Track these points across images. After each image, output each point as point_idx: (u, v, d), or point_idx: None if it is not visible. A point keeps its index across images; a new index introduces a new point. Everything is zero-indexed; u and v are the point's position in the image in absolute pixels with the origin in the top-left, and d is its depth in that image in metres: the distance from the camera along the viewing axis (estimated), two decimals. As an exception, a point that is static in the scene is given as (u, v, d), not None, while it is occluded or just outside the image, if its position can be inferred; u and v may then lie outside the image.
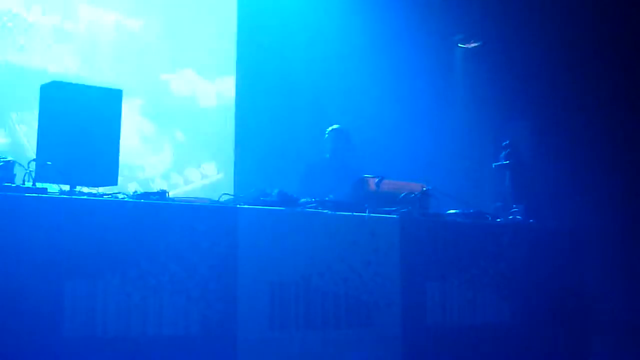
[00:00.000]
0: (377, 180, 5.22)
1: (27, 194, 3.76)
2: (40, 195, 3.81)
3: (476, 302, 5.14)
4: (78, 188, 4.23)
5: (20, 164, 4.05)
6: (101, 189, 4.50)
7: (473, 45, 9.12)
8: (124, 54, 7.84)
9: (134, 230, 3.95)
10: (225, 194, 4.69)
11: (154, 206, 4.11)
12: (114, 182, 4.45)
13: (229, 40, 8.58)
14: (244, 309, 4.23)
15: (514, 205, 5.68)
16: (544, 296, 5.45)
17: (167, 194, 4.36)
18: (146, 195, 4.26)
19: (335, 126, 6.54)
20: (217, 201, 4.53)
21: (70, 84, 4.56)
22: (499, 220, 5.55)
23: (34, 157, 4.25)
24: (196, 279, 4.09)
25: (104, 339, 3.78)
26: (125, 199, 4.16)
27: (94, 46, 7.72)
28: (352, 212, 4.72)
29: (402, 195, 5.12)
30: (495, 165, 6.07)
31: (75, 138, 4.26)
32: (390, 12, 8.30)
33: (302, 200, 4.69)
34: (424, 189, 5.20)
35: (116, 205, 4.00)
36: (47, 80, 4.48)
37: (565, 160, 7.04)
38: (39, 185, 3.95)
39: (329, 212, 4.64)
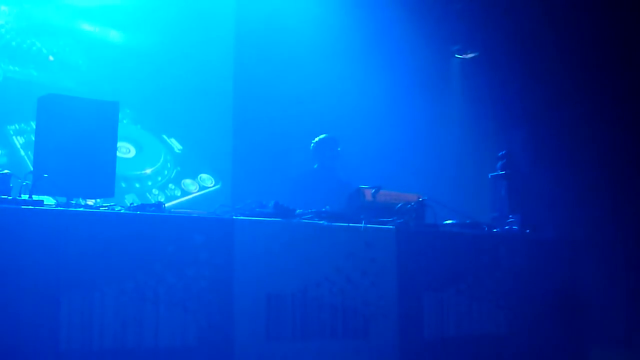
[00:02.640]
0: (373, 190, 5.23)
1: (23, 206, 3.77)
2: (36, 207, 3.81)
3: (473, 312, 5.14)
4: (75, 200, 4.24)
5: (16, 176, 4.07)
6: (99, 201, 4.51)
7: (470, 55, 9.15)
8: (121, 65, 7.86)
9: (130, 242, 3.95)
10: (222, 205, 4.70)
11: (150, 218, 4.12)
12: (111, 193, 4.47)
13: (227, 51, 8.61)
14: (241, 320, 4.23)
15: (511, 216, 5.69)
16: (541, 306, 5.45)
17: (163, 206, 4.38)
18: (142, 207, 4.27)
19: (321, 136, 6.55)
20: (214, 212, 4.54)
21: (67, 96, 4.59)
22: (495, 230, 5.56)
23: (32, 169, 4.27)
24: (193, 290, 4.10)
25: (100, 351, 3.78)
26: (122, 211, 4.17)
27: (91, 59, 7.75)
28: (349, 223, 4.73)
29: (399, 205, 5.13)
30: (491, 176, 6.08)
31: (72, 150, 4.28)
32: (388, 23, 8.33)
33: (298, 211, 4.70)
34: (420, 199, 5.21)
35: (112, 217, 4.00)
36: (45, 93, 4.51)
37: (562, 170, 7.05)
38: (35, 197, 3.96)
39: (325, 223, 4.65)
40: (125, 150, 7.74)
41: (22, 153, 7.12)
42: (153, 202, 4.42)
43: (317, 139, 6.54)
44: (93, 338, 3.77)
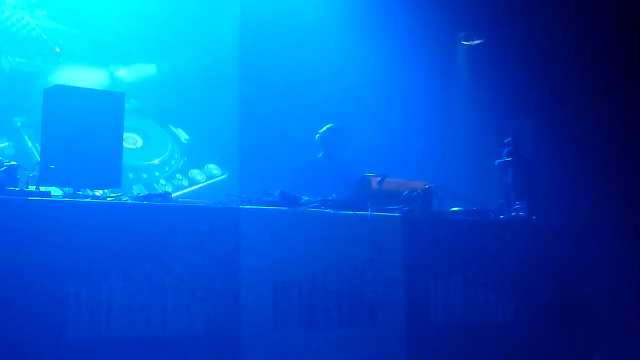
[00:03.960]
0: (379, 178, 5.24)
1: (30, 198, 3.79)
2: (43, 198, 3.84)
3: (480, 300, 5.15)
4: (82, 191, 4.27)
5: (24, 168, 4.10)
6: (106, 192, 4.54)
7: (476, 42, 9.11)
8: (127, 55, 7.88)
9: (137, 232, 3.98)
10: (228, 194, 4.72)
11: (157, 208, 4.15)
12: (118, 184, 4.50)
13: (233, 41, 8.61)
14: (248, 309, 4.26)
15: (517, 203, 5.68)
16: (547, 293, 5.45)
17: (170, 196, 4.40)
18: (149, 197, 4.30)
19: (328, 125, 6.57)
20: (220, 202, 4.56)
21: (73, 87, 4.62)
22: (502, 217, 5.56)
23: (39, 160, 4.30)
24: (200, 279, 4.12)
25: (108, 340, 3.81)
26: (129, 201, 4.20)
27: (98, 49, 7.76)
28: (355, 211, 4.74)
29: (405, 193, 5.14)
30: (498, 163, 6.07)
31: (79, 141, 4.31)
32: (394, 10, 8.31)
33: (305, 199, 4.71)
34: (427, 187, 5.21)
35: (119, 208, 4.03)
36: (52, 85, 4.54)
37: (569, 157, 7.03)
38: (43, 188, 3.99)
39: (332, 211, 4.66)
40: (133, 141, 7.77)
41: (30, 145, 7.15)
42: (160, 192, 4.44)
43: (323, 129, 6.56)
44: (101, 328, 3.81)
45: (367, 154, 7.09)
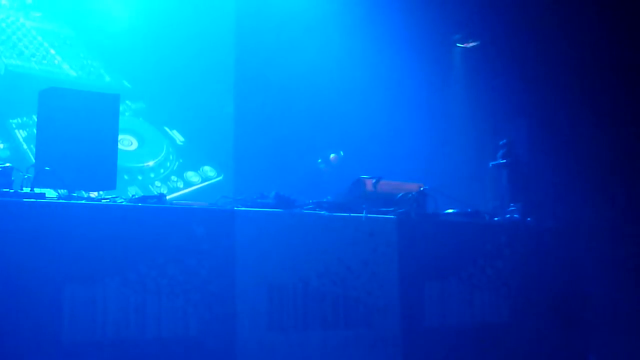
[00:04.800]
0: (374, 180, 5.25)
1: (25, 199, 3.79)
2: (38, 200, 3.83)
3: (474, 301, 5.16)
4: (76, 193, 4.27)
5: (18, 170, 4.09)
6: (101, 193, 4.54)
7: (471, 44, 9.12)
8: (123, 57, 7.88)
9: (132, 234, 3.97)
10: (223, 196, 4.71)
11: (151, 210, 4.13)
12: (113, 186, 4.49)
13: (228, 43, 8.62)
14: (243, 311, 4.25)
15: (512, 204, 5.70)
16: (542, 295, 5.47)
17: (165, 198, 4.40)
18: (144, 198, 4.30)
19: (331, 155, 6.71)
20: (215, 204, 4.56)
21: (68, 89, 4.62)
22: (496, 219, 5.57)
23: (34, 162, 4.30)
24: (195, 281, 4.12)
25: (103, 342, 3.80)
26: (123, 203, 4.19)
27: (93, 52, 7.76)
28: (350, 213, 4.74)
29: (400, 195, 5.14)
30: (492, 165, 6.09)
31: (74, 143, 4.31)
32: (389, 12, 8.32)
33: (299, 201, 4.72)
34: (422, 189, 5.22)
35: (114, 210, 4.02)
36: (47, 86, 4.53)
37: (563, 159, 7.05)
38: (37, 190, 3.98)
39: (326, 213, 4.67)
40: (127, 142, 7.76)
41: (25, 146, 7.14)
42: (155, 194, 4.43)
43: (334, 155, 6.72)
44: (96, 329, 3.80)
45: (362, 155, 7.11)
